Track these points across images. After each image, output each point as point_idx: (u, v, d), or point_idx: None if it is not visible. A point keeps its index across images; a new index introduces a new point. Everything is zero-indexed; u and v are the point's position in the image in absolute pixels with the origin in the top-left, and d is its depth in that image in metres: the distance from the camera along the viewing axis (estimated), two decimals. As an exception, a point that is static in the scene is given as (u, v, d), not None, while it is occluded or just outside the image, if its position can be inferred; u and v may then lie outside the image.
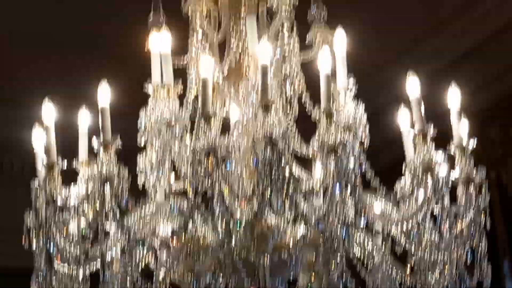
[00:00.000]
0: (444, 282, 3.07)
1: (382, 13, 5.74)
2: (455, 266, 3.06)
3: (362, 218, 2.82)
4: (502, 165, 5.93)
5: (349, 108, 2.98)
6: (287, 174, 2.71)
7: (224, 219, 2.69)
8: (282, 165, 2.71)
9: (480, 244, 3.07)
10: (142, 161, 2.92)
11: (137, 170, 2.90)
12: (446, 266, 3.05)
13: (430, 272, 3.06)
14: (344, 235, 2.77)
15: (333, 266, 2.81)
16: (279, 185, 2.69)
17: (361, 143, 2.94)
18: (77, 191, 2.90)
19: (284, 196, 2.68)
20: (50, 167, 2.98)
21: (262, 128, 2.73)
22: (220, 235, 2.78)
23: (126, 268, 2.83)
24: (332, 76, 2.93)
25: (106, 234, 2.79)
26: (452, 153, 3.10)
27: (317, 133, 2.85)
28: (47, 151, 3.01)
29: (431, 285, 3.04)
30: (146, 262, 3.04)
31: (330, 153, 2.79)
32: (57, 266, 2.86)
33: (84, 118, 3.24)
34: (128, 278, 2.85)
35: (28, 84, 6.18)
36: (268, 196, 2.68)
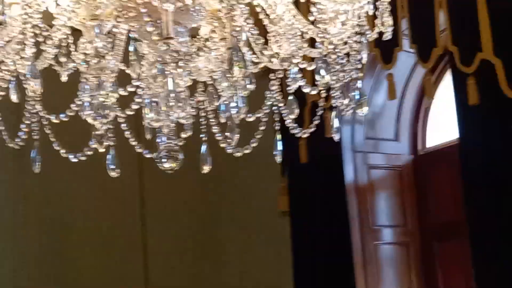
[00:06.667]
0: (344, 33, 3.10)
1: None
2: (357, 17, 3.08)
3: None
4: None
5: None
6: None
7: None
8: None
9: (383, -4, 3.07)
10: None
11: None
12: (348, 17, 3.07)
13: (331, 23, 3.08)
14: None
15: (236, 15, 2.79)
16: None
17: None
18: None
19: None
20: None
21: None
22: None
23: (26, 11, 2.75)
24: None
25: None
26: None
27: None
28: None
29: (332, 36, 3.07)
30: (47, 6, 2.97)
31: None
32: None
33: None
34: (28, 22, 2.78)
35: None
36: None
